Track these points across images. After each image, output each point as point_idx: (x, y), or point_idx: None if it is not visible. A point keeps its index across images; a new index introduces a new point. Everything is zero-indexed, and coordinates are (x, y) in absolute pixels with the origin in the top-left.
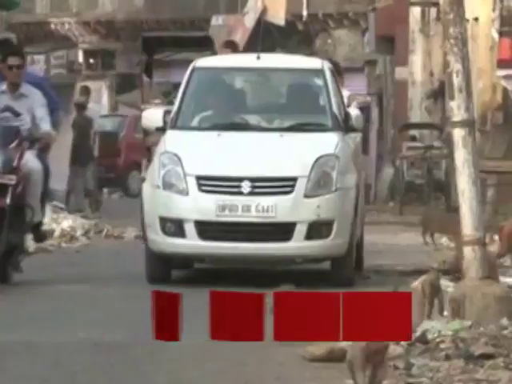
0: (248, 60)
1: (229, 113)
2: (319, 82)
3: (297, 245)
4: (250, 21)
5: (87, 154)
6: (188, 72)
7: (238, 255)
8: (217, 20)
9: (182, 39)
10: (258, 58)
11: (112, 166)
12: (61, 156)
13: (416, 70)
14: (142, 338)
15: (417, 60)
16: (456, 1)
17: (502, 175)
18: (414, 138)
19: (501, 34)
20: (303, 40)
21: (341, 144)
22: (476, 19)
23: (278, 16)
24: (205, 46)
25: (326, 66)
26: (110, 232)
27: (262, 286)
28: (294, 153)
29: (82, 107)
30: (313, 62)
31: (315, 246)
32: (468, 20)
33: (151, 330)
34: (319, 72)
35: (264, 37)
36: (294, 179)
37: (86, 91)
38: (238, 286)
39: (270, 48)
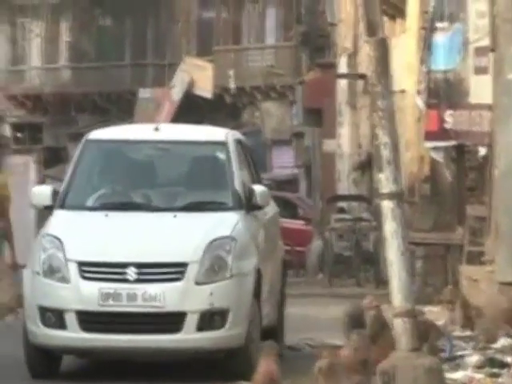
0: (145, 132)
1: (120, 191)
2: (221, 155)
3: (187, 337)
4: (177, 94)
5: None
6: (80, 145)
7: (123, 348)
8: (144, 93)
9: None
10: (157, 129)
11: None
12: None
13: (344, 142)
14: None
15: (344, 132)
16: (383, 73)
17: (429, 247)
18: (342, 210)
19: (429, 106)
20: (231, 113)
21: (240, 224)
22: (403, 91)
23: (206, 89)
24: None
25: (232, 137)
26: None
27: (157, 381)
28: (186, 235)
29: None
30: (216, 134)
31: (208, 337)
32: (395, 92)
33: None
34: (222, 145)
35: (192, 110)
36: (184, 265)
37: None
38: (131, 380)
39: (199, 121)
